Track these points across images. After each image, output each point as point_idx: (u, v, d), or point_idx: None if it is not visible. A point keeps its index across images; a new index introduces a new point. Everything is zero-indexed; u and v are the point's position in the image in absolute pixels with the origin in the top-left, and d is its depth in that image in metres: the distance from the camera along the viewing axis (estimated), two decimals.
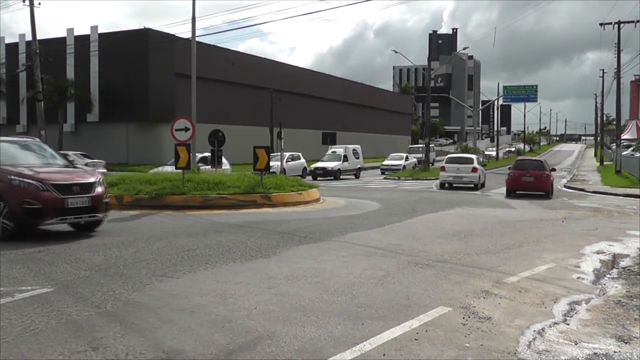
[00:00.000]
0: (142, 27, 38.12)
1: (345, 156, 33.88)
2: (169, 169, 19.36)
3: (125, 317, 4.85)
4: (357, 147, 36.53)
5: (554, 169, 23.38)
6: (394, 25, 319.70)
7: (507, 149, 75.14)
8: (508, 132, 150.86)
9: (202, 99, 32.47)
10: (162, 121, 35.14)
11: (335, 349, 4.16)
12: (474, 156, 28.49)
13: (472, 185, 24.81)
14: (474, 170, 24.94)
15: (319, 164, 33.08)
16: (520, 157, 32.98)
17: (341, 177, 32.83)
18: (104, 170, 25.39)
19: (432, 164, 46.56)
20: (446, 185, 25.18)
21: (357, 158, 35.77)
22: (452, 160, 26.18)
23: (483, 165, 32.34)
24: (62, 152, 30.73)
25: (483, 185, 26.16)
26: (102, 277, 6.30)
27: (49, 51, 34.83)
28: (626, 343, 4.56)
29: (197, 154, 21.57)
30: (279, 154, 27.41)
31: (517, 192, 21.22)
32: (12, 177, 8.93)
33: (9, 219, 8.72)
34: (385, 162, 41.55)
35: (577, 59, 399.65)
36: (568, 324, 5.02)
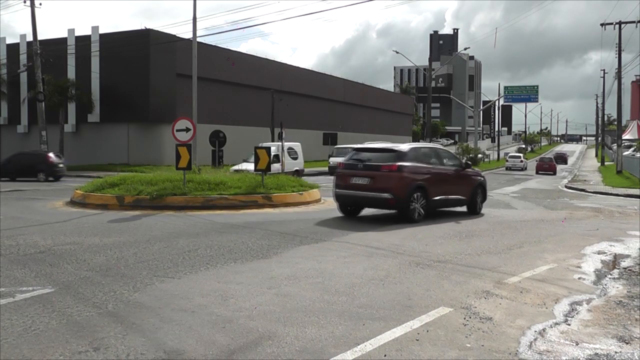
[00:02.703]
0: (143, 28, 38.06)
1: (276, 156, 25.89)
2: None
3: (127, 318, 4.86)
4: (296, 144, 30.42)
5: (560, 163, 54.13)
6: (396, 26, 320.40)
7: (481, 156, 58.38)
8: (509, 132, 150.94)
9: (203, 100, 32.52)
10: (163, 121, 35.14)
11: (336, 350, 4.16)
12: (521, 154, 56.59)
13: (520, 168, 50.05)
14: (522, 161, 51.72)
15: (238, 166, 23.81)
16: (541, 156, 59.34)
17: None
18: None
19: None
20: (506, 168, 50.17)
21: (296, 159, 29.44)
22: (511, 157, 53.13)
23: (525, 158, 56.69)
24: None
25: (526, 168, 51.60)
26: (103, 278, 6.31)
27: (49, 52, 34.90)
28: (627, 343, 4.56)
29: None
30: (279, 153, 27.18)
31: (539, 172, 45.24)
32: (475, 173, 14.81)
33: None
34: (334, 160, 31.60)
35: (579, 59, 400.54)
36: (569, 325, 5.02)
